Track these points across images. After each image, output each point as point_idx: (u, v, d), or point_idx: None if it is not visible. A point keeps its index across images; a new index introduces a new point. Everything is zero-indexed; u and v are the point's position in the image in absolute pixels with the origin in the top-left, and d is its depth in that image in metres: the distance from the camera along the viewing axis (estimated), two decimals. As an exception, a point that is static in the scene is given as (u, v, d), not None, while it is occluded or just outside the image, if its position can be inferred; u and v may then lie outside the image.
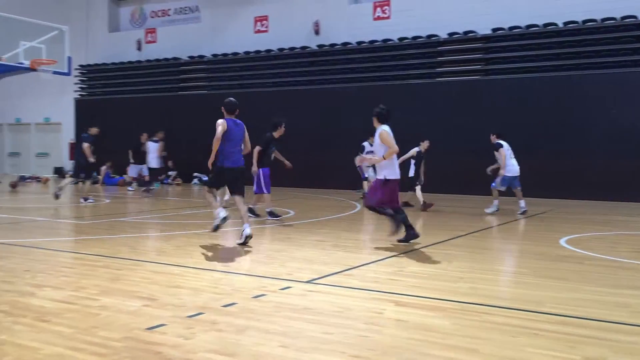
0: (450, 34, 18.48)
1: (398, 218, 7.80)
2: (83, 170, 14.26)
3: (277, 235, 8.62)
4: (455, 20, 18.55)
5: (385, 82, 19.18)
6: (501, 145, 12.27)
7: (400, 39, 19.32)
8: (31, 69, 15.34)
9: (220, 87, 22.48)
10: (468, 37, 18.27)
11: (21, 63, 15.27)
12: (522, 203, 12.20)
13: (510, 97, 17.12)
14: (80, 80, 25.93)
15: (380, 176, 7.95)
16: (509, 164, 12.26)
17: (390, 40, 19.51)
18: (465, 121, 17.50)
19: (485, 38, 18.06)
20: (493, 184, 12.45)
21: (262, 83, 21.51)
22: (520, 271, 6.22)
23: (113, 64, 25.62)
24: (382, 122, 8.19)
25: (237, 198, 8.09)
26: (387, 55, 19.48)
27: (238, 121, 8.10)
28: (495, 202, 12.37)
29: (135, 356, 3.50)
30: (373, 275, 5.97)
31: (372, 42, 19.82)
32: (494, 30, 17.97)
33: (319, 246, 7.78)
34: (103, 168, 20.67)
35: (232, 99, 8.16)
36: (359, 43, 20.08)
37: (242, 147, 8.30)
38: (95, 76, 26.09)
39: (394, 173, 7.90)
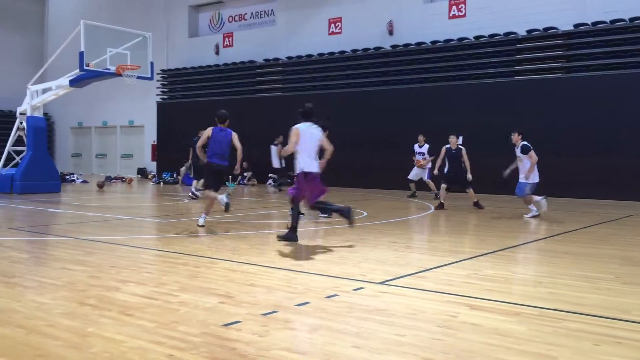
0: (529, 31, 17.91)
1: (346, 209, 7.97)
2: (198, 171, 16.01)
3: (350, 236, 8.65)
4: (535, 17, 17.99)
5: (461, 81, 18.85)
6: (531, 148, 11.29)
7: (477, 37, 18.92)
8: (117, 74, 16.07)
9: (295, 89, 22.78)
10: (548, 34, 17.65)
11: (107, 69, 16.03)
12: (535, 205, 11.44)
13: (593, 95, 16.42)
14: (161, 84, 26.96)
15: (298, 170, 8.04)
16: (536, 170, 11.34)
17: (466, 38, 19.14)
18: (545, 120, 16.93)
19: (566, 34, 17.39)
20: (522, 193, 11.32)
21: (336, 84, 21.62)
22: (604, 277, 5.95)
23: (192, 68, 26.48)
24: (304, 120, 8.25)
25: (211, 191, 9.64)
26: (462, 54, 19.14)
27: (225, 129, 9.72)
28: (540, 199, 11.33)
29: (212, 351, 3.61)
30: (447, 277, 5.88)
31: (447, 41, 19.52)
32: (576, 26, 17.28)
33: (392, 247, 7.75)
34: (182, 169, 21.40)
35: (223, 110, 9.87)
36: (434, 42, 19.82)
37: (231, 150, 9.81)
38: (176, 80, 27.06)
39: (308, 166, 7.97)
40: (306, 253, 7.40)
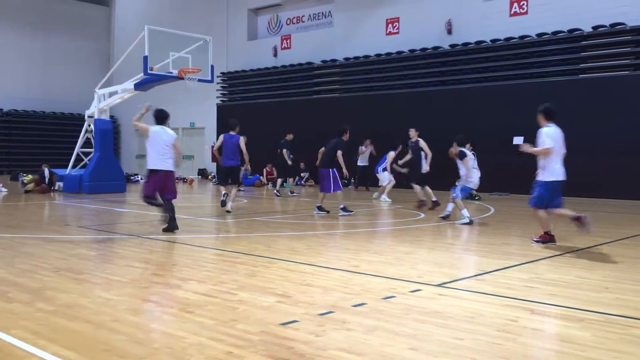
0: (595, 27, 17.29)
1: (169, 207, 8.88)
2: (283, 171, 18.19)
3: (407, 238, 8.58)
4: (600, 12, 17.33)
5: (522, 80, 18.38)
6: (465, 155, 10.78)
7: (539, 35, 18.41)
8: (179, 78, 16.50)
9: (352, 90, 22.77)
10: (615, 30, 16.99)
11: (170, 72, 16.48)
12: (451, 207, 11.02)
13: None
14: (221, 86, 27.47)
15: (147, 167, 9.03)
16: (473, 174, 11.26)
17: (528, 36, 18.66)
18: (613, 119, 16.31)
19: (635, 30, 16.69)
20: (455, 195, 10.52)
21: (394, 85, 21.48)
22: (674, 283, 5.69)
23: (251, 70, 26.86)
24: (157, 123, 9.12)
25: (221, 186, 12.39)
26: (524, 53, 18.66)
27: (233, 135, 12.10)
28: (464, 211, 10.43)
29: (270, 349, 3.67)
30: (507, 281, 5.76)
31: (508, 39, 19.07)
32: (645, 21, 16.58)
33: (450, 249, 7.65)
34: (242, 168, 21.70)
35: (233, 119, 12.33)
36: (494, 41, 19.40)
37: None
38: (235, 82, 27.51)
39: (153, 164, 8.92)
40: (362, 254, 7.40)
